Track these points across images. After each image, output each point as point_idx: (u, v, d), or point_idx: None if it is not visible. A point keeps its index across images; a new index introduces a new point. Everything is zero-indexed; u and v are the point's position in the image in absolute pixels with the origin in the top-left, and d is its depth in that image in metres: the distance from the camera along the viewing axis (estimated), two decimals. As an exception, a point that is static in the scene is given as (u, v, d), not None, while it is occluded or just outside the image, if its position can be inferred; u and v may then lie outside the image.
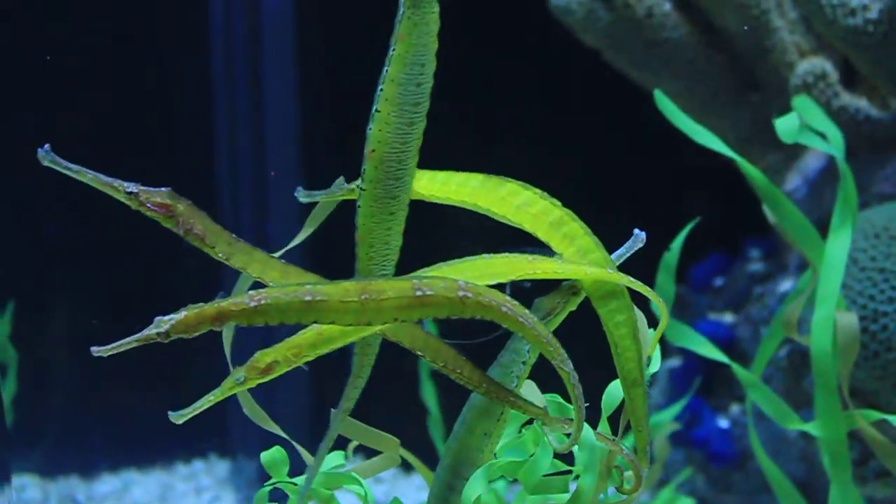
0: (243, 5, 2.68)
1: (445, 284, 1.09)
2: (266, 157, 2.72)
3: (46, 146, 1.12)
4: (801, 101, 1.95)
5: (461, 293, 1.09)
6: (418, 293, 1.08)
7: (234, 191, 2.70)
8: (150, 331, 1.06)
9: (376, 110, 1.11)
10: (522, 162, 2.81)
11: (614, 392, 1.21)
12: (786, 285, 2.42)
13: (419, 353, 1.17)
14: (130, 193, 1.12)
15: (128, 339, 1.06)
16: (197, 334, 1.08)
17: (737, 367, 1.73)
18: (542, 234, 1.18)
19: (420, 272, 1.15)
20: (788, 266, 2.48)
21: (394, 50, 1.09)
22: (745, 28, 2.34)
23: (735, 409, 2.46)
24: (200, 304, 1.07)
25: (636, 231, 1.22)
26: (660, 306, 1.21)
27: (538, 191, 1.21)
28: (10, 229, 2.42)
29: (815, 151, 2.46)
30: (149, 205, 1.13)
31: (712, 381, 2.50)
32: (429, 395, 2.25)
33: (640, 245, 1.22)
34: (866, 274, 2.03)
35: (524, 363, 1.21)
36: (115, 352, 1.06)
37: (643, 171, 2.84)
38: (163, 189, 1.14)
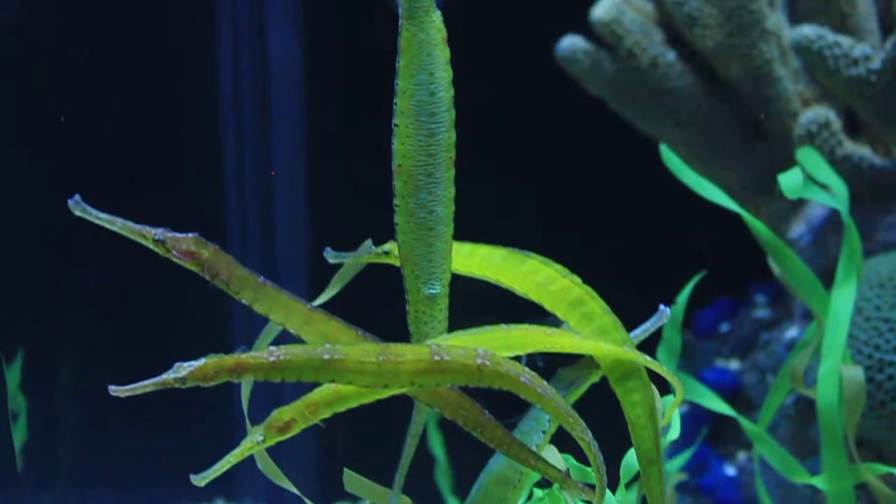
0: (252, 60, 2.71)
1: (464, 352, 1.09)
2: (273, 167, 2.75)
3: (77, 196, 1.13)
4: (805, 153, 1.97)
5: (479, 361, 1.09)
6: (436, 358, 1.08)
7: (243, 219, 2.72)
8: (169, 375, 1.07)
9: (395, 124, 1.11)
10: (531, 207, 2.84)
11: (631, 461, 1.22)
12: (792, 332, 2.42)
13: (438, 409, 1.18)
14: (158, 240, 1.14)
15: (146, 382, 1.06)
16: (213, 384, 1.08)
17: (743, 421, 1.73)
18: (561, 313, 1.19)
19: (437, 339, 1.16)
20: (794, 313, 2.49)
21: (398, 62, 1.10)
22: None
23: (742, 456, 2.46)
24: (221, 354, 1.08)
25: (661, 307, 1.23)
26: (676, 387, 1.21)
27: (559, 267, 1.22)
28: (20, 277, 2.44)
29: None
30: (175, 251, 1.14)
31: (719, 428, 2.50)
32: (436, 444, 2.26)
33: (665, 322, 1.23)
34: (871, 324, 2.04)
35: (544, 432, 1.21)
36: (132, 393, 1.06)
37: (650, 216, 2.85)
38: (189, 235, 1.15)
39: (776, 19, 2.43)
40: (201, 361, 1.07)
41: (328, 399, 1.15)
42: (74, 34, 2.52)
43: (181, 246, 1.14)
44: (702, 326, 2.70)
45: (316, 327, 1.18)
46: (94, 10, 2.54)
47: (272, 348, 1.08)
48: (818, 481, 1.66)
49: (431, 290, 1.16)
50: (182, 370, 1.07)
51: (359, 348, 1.08)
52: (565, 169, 2.79)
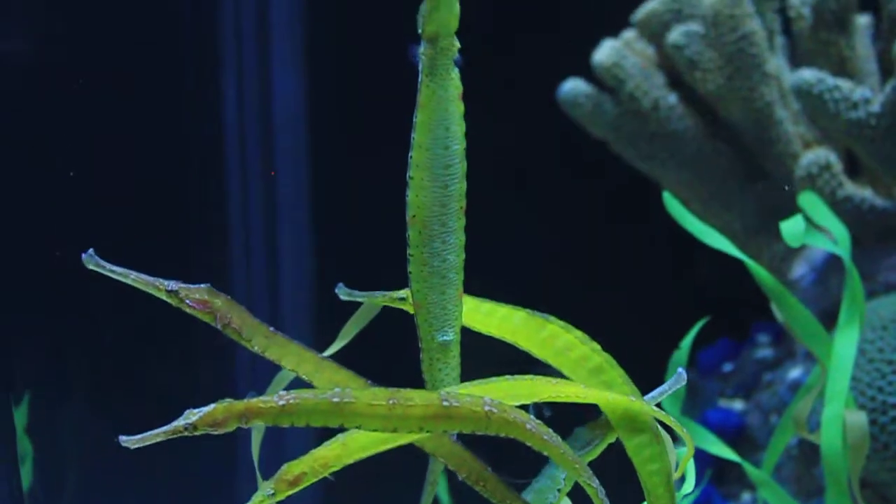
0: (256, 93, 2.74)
1: (472, 399, 1.11)
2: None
3: (90, 251, 1.15)
4: (806, 198, 1.99)
5: (487, 408, 1.10)
6: (445, 404, 1.09)
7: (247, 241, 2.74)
8: (179, 423, 1.07)
9: (410, 177, 1.13)
10: (536, 249, 2.86)
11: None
12: (794, 372, 2.43)
13: (442, 459, 1.19)
14: (171, 291, 1.15)
15: (156, 431, 1.06)
16: (224, 430, 1.09)
17: (747, 466, 1.74)
18: (580, 380, 1.20)
19: (445, 390, 1.17)
20: (796, 353, 2.50)
21: (416, 117, 1.11)
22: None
23: (746, 497, 2.47)
24: (230, 399, 1.09)
25: (679, 370, 1.23)
26: (687, 440, 1.22)
27: (579, 333, 1.22)
28: (27, 320, 2.45)
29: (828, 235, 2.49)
30: (188, 301, 1.16)
31: (723, 469, 2.50)
32: (442, 489, 2.26)
33: (682, 384, 1.23)
34: (875, 366, 2.05)
35: (559, 490, 1.22)
36: (142, 444, 1.06)
37: (655, 256, 2.87)
38: (202, 286, 1.17)
39: (776, 62, 2.45)
40: (211, 407, 1.07)
41: (338, 453, 1.16)
42: (79, 72, 2.55)
43: (194, 296, 1.16)
44: (705, 365, 2.71)
45: (326, 376, 1.19)
46: (98, 50, 2.57)
47: (282, 392, 1.08)
48: (823, 527, 1.67)
49: (445, 337, 1.17)
50: (192, 416, 1.07)
51: (369, 392, 1.09)
52: (570, 210, 2.81)
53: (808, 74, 2.22)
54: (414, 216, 1.14)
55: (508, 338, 1.23)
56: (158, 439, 1.06)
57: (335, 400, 1.08)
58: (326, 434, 1.21)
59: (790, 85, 2.32)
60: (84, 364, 2.57)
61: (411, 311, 1.24)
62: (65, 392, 2.57)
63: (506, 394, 1.16)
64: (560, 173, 2.82)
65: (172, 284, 1.16)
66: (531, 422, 1.12)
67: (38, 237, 2.48)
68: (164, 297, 1.16)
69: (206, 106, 2.74)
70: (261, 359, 1.24)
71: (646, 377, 1.84)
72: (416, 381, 1.25)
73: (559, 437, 1.13)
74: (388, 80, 2.88)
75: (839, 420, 1.65)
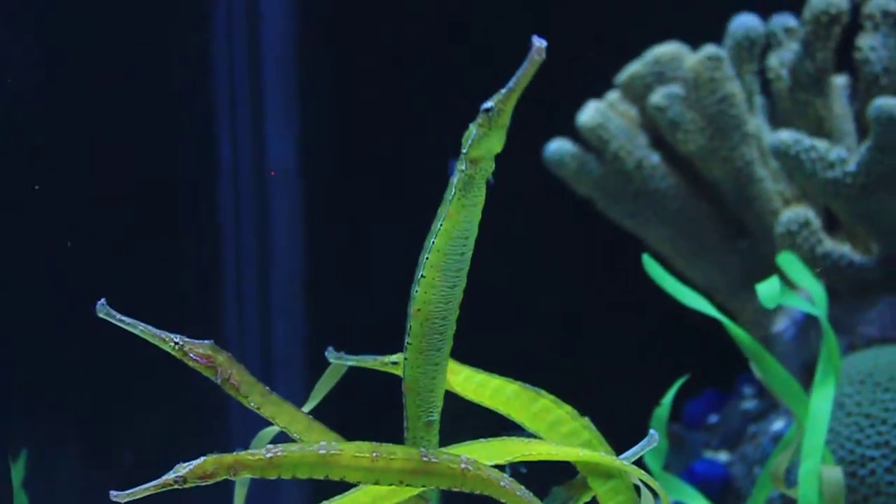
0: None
1: (450, 456, 1.16)
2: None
3: (102, 300, 1.19)
4: (785, 258, 2.05)
5: (463, 466, 1.16)
6: (424, 459, 1.15)
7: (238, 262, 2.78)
8: (169, 476, 1.10)
9: (422, 276, 1.16)
10: (517, 308, 2.91)
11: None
12: (778, 425, 2.48)
13: None
14: (176, 345, 1.21)
15: (146, 486, 1.09)
16: (213, 482, 1.13)
17: (728, 521, 1.79)
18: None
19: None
20: (780, 405, 2.55)
21: (441, 225, 1.15)
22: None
23: (733, 548, 2.51)
24: (219, 453, 1.13)
25: (651, 432, 1.27)
26: (661, 494, 1.26)
27: (569, 409, 1.26)
28: (24, 375, 2.50)
29: (802, 293, 2.55)
30: (192, 355, 1.21)
31: (710, 518, 2.54)
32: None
33: (653, 446, 1.27)
34: (853, 419, 2.11)
35: None
36: (132, 498, 1.09)
37: (641, 309, 2.93)
38: (206, 342, 1.22)
39: (756, 122, 2.53)
40: (200, 460, 1.11)
41: None
42: (75, 141, 2.61)
43: (198, 350, 1.21)
44: (691, 417, 2.75)
45: (315, 437, 1.25)
46: (96, 88, 2.64)
47: (270, 446, 1.13)
48: (802, 581, 1.71)
49: (430, 418, 1.22)
50: (182, 469, 1.11)
51: (353, 445, 1.14)
52: (554, 267, 2.87)
53: (785, 135, 2.29)
54: (419, 310, 1.17)
55: (501, 409, 1.28)
56: (149, 493, 1.10)
57: (321, 452, 1.12)
58: (319, 491, 1.26)
59: (768, 146, 2.39)
60: (82, 417, 2.61)
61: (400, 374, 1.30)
62: (62, 446, 2.60)
63: (481, 454, 1.21)
64: (544, 231, 2.88)
65: (178, 338, 1.21)
66: (505, 479, 1.17)
67: (34, 291, 2.53)
68: (168, 349, 1.21)
69: (201, 153, 2.80)
70: (252, 417, 1.29)
71: (634, 431, 1.89)
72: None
73: (532, 494, 1.18)
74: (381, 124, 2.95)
75: (816, 475, 1.69)
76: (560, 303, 2.82)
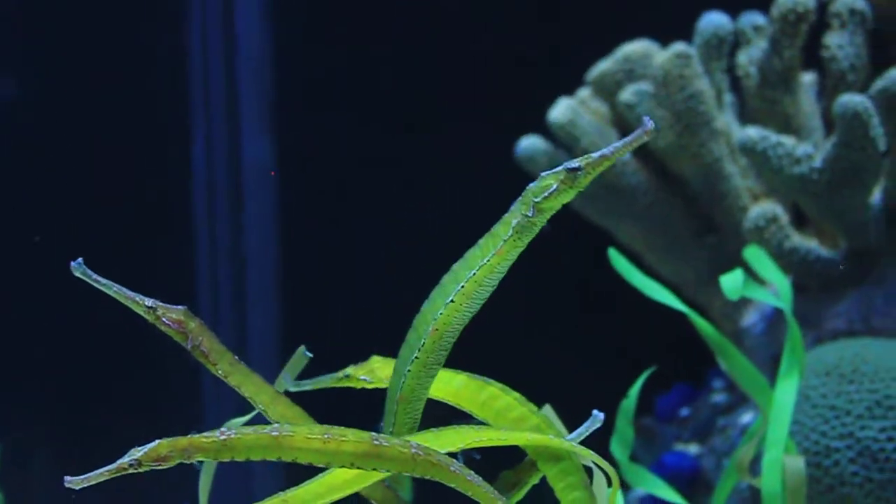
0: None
1: (400, 441, 1.18)
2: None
3: (79, 259, 1.21)
4: (751, 252, 2.08)
5: (414, 451, 1.17)
6: (375, 443, 1.16)
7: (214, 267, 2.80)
8: (124, 461, 1.11)
9: (451, 300, 1.18)
10: (486, 305, 2.93)
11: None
12: (746, 417, 2.52)
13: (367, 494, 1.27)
14: (149, 308, 1.22)
15: (101, 470, 1.10)
16: (169, 466, 1.13)
17: (693, 511, 1.82)
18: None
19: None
20: (749, 398, 2.58)
21: (488, 260, 1.17)
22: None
23: (703, 539, 2.54)
24: (174, 437, 1.14)
25: (595, 412, 1.28)
26: (611, 473, 1.28)
27: (517, 395, 1.28)
28: None
29: (772, 288, 2.58)
30: (164, 319, 1.22)
31: (679, 510, 2.58)
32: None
33: (598, 426, 1.29)
34: (818, 411, 2.14)
35: None
36: (88, 483, 1.09)
37: (612, 302, 2.95)
38: (179, 307, 1.23)
39: (724, 119, 2.56)
40: (154, 443, 1.12)
41: None
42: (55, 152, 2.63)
43: (171, 315, 1.23)
44: (662, 411, 2.79)
45: (279, 409, 1.27)
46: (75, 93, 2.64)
47: (223, 429, 1.14)
48: (765, 569, 1.74)
49: (415, 423, 1.26)
50: (136, 453, 1.11)
51: (305, 427, 1.16)
52: (523, 262, 2.89)
53: (752, 132, 2.32)
54: (437, 329, 1.20)
55: (451, 400, 1.30)
56: (104, 478, 1.10)
57: (274, 434, 1.14)
58: (295, 476, 1.28)
59: (736, 143, 2.42)
60: (57, 411, 2.62)
61: (357, 387, 1.35)
62: (37, 440, 2.61)
63: (434, 442, 1.23)
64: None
65: (151, 302, 1.23)
66: (455, 464, 1.19)
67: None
68: (141, 312, 1.23)
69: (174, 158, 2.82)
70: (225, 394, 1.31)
71: (605, 425, 1.92)
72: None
73: (481, 478, 1.19)
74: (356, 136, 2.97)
75: (779, 465, 1.73)
76: (530, 298, 2.84)
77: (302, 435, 1.14)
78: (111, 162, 2.74)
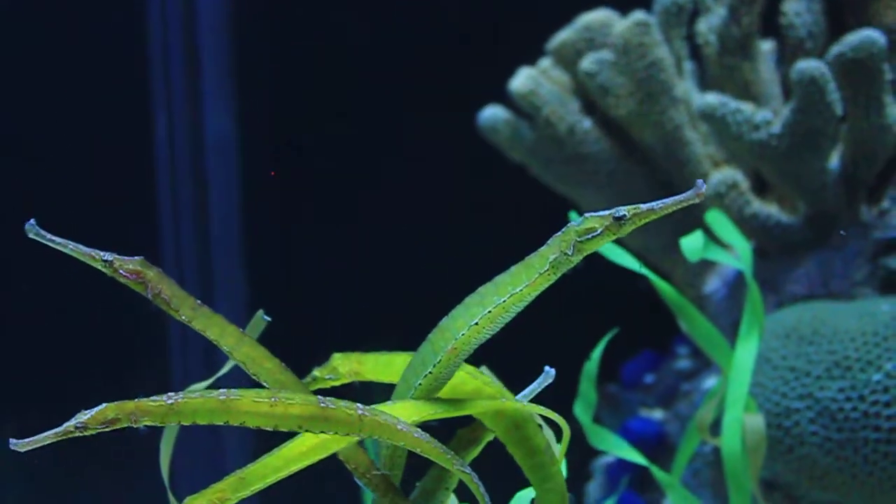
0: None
1: (347, 403, 1.19)
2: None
3: (32, 220, 1.21)
4: (712, 216, 2.10)
5: (360, 412, 1.18)
6: (322, 405, 1.16)
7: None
8: (70, 424, 1.10)
9: (476, 322, 1.19)
10: (454, 273, 2.94)
11: (522, 500, 1.31)
12: (710, 382, 2.54)
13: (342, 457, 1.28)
14: (106, 261, 1.22)
15: (46, 434, 1.09)
16: (115, 428, 1.13)
17: (655, 470, 1.84)
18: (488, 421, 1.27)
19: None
20: (712, 363, 2.61)
21: (520, 290, 1.18)
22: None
23: (668, 502, 2.57)
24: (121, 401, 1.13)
25: (546, 368, 1.30)
26: (564, 428, 1.30)
27: (471, 369, 1.29)
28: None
29: (733, 254, 2.61)
30: (122, 271, 1.22)
31: (646, 475, 2.61)
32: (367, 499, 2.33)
33: (550, 382, 1.31)
34: (778, 373, 2.17)
35: (447, 489, 1.30)
36: (33, 446, 1.08)
37: (575, 270, 2.97)
38: (135, 258, 1.24)
39: (684, 87, 2.58)
40: (101, 407, 1.11)
41: (234, 486, 1.23)
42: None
43: (127, 266, 1.23)
44: (628, 378, 2.81)
45: (245, 350, 1.27)
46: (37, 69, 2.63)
47: (170, 393, 1.14)
48: (726, 525, 1.77)
49: None
50: (83, 416, 1.11)
51: (252, 391, 1.16)
52: (489, 231, 2.91)
53: (711, 98, 2.34)
54: (455, 349, 1.21)
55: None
56: (49, 441, 1.09)
57: (221, 398, 1.14)
58: (263, 447, 1.29)
59: (696, 109, 2.44)
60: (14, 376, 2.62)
61: (327, 386, 1.37)
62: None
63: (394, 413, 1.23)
64: (478, 196, 2.92)
65: (108, 255, 1.23)
66: (401, 422, 1.19)
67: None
68: (99, 266, 1.23)
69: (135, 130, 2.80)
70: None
71: (571, 391, 1.93)
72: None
73: (428, 434, 1.20)
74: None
75: (738, 423, 1.75)
76: (494, 267, 2.86)
77: (249, 398, 1.15)
78: (72, 139, 2.73)
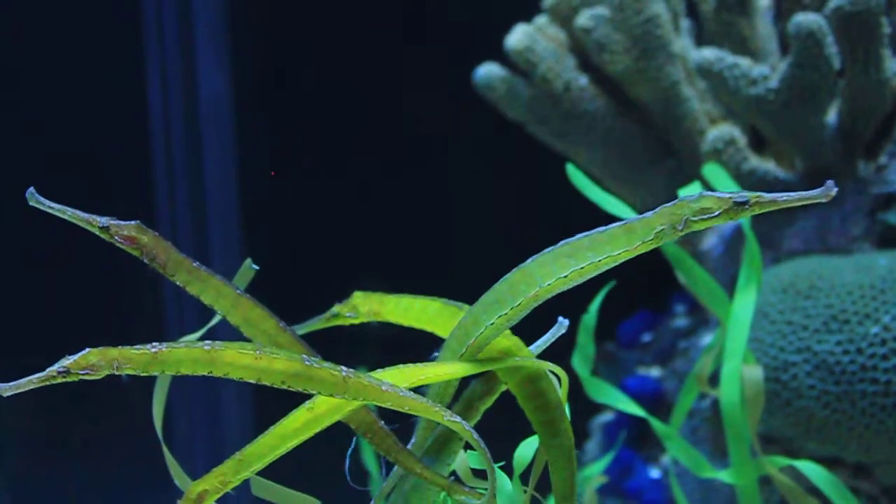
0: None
1: (332, 364, 1.18)
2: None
3: (31, 189, 1.21)
4: (710, 169, 2.10)
5: (344, 373, 1.17)
6: (307, 363, 1.16)
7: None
8: (52, 369, 1.10)
9: (566, 276, 1.18)
10: (450, 231, 2.94)
11: (524, 453, 1.31)
12: (707, 339, 2.54)
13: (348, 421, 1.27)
14: (103, 227, 1.23)
15: (29, 378, 1.09)
16: (99, 376, 1.12)
17: (654, 421, 1.84)
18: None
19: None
20: (710, 320, 2.61)
21: (618, 253, 1.17)
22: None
23: (666, 459, 2.58)
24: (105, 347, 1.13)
25: (560, 318, 1.29)
26: (562, 376, 1.30)
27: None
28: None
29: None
30: (118, 237, 1.23)
31: (644, 432, 2.61)
32: (369, 457, 2.33)
33: (563, 332, 1.30)
34: (776, 327, 2.17)
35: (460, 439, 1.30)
36: (17, 391, 1.09)
37: (569, 222, 2.97)
38: (132, 222, 1.24)
39: (681, 43, 2.56)
40: (84, 352, 1.11)
41: (234, 468, 1.22)
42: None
43: (123, 232, 1.24)
44: (625, 337, 2.82)
45: (241, 312, 1.27)
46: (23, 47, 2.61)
47: (156, 343, 1.13)
48: (724, 475, 1.77)
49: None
50: (65, 362, 1.11)
51: (237, 343, 1.16)
52: (490, 191, 2.90)
53: (708, 53, 2.33)
54: (537, 295, 1.19)
55: (428, 328, 1.31)
56: (32, 386, 1.09)
57: (206, 348, 1.13)
58: (265, 423, 1.28)
59: (692, 64, 2.42)
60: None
61: (346, 324, 1.38)
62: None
63: (398, 378, 1.23)
64: (480, 154, 2.91)
65: (104, 220, 1.23)
66: (385, 383, 1.19)
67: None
68: (96, 231, 1.23)
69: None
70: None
71: (570, 346, 1.93)
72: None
73: (414, 393, 1.19)
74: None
75: (737, 375, 1.75)
76: (493, 224, 2.85)
77: (234, 350, 1.14)
78: (65, 103, 2.71)
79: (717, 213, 1.15)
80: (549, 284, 1.18)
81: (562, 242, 1.19)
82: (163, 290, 2.77)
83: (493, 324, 1.21)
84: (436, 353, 1.28)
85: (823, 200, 1.11)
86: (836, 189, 1.11)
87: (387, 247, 2.84)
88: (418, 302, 1.34)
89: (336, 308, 1.40)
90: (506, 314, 1.20)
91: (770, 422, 2.15)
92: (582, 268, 1.17)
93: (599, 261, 1.16)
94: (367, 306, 1.38)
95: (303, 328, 1.39)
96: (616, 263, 1.17)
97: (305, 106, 2.92)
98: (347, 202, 2.92)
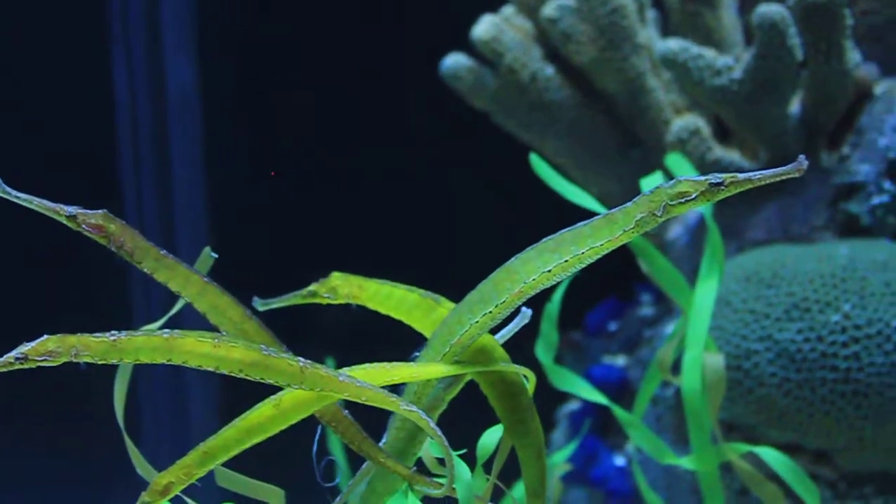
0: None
1: (290, 355, 1.19)
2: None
3: None
4: (673, 159, 2.11)
5: (302, 363, 1.18)
6: (265, 353, 1.17)
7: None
8: (10, 355, 1.11)
9: (549, 270, 1.19)
10: (422, 219, 2.95)
11: (487, 442, 1.32)
12: (671, 327, 2.56)
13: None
14: (70, 216, 1.23)
15: None
16: (58, 363, 1.13)
17: (617, 409, 1.86)
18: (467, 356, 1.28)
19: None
20: (675, 310, 2.63)
21: (600, 244, 1.18)
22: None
23: (630, 447, 2.60)
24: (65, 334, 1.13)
25: (523, 309, 1.30)
26: (529, 375, 1.31)
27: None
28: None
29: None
30: (85, 225, 1.23)
31: (609, 421, 2.63)
32: (336, 447, 2.34)
33: (526, 322, 1.31)
34: (739, 315, 2.19)
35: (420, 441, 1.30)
36: None
37: (540, 221, 2.98)
38: (98, 211, 1.25)
39: (647, 33, 2.58)
40: (42, 338, 1.12)
41: (198, 460, 1.23)
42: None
43: (90, 220, 1.24)
44: (592, 326, 2.83)
45: (208, 299, 1.28)
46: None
47: (114, 331, 1.14)
48: (686, 462, 1.79)
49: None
50: (24, 348, 1.11)
51: (197, 332, 1.17)
52: (458, 181, 2.91)
53: (672, 44, 2.35)
54: (522, 292, 1.21)
55: (404, 319, 1.32)
56: None
57: (165, 336, 1.14)
58: (230, 415, 1.29)
59: (657, 55, 2.44)
60: None
61: (323, 303, 1.38)
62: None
63: (376, 377, 1.23)
64: (447, 144, 2.91)
65: (71, 209, 1.24)
66: (343, 374, 1.20)
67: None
68: (63, 220, 1.24)
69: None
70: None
71: (534, 336, 1.94)
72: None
73: (369, 384, 1.20)
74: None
75: (698, 362, 1.77)
76: (463, 215, 2.86)
77: (193, 338, 1.15)
78: (30, 93, 2.70)
79: (694, 196, 1.15)
80: (533, 280, 1.19)
81: (545, 239, 1.20)
82: (131, 279, 2.77)
83: (477, 322, 1.22)
84: (416, 353, 1.29)
85: (796, 175, 1.12)
86: (807, 162, 1.12)
87: (357, 235, 2.84)
88: (398, 291, 1.35)
89: (313, 287, 1.40)
90: (490, 312, 1.21)
91: (732, 409, 2.17)
92: (566, 261, 1.18)
93: (583, 253, 1.17)
94: (347, 289, 1.38)
95: (276, 303, 1.39)
96: (599, 255, 1.18)
97: (274, 95, 2.92)
98: (317, 192, 2.92)
